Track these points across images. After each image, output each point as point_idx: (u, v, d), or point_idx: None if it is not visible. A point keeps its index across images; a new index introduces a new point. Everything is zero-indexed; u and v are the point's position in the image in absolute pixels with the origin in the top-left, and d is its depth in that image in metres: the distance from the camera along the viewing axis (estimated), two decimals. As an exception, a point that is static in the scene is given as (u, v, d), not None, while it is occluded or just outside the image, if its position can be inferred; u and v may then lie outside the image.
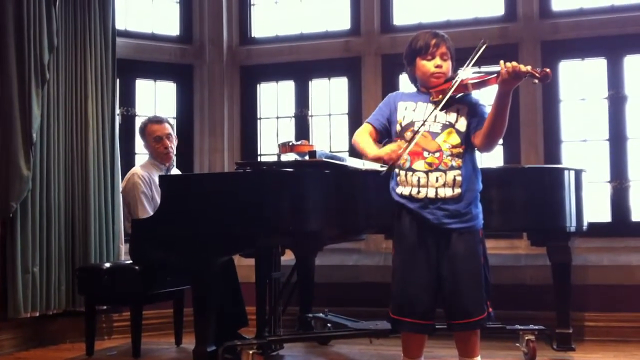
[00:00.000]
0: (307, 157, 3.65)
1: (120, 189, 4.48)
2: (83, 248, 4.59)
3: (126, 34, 5.26)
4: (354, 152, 5.09)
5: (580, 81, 4.99)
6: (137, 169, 4.40)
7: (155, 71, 5.44)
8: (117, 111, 4.96)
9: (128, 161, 5.15)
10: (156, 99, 5.48)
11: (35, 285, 4.32)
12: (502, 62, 2.58)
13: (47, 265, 4.42)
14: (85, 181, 4.62)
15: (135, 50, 5.29)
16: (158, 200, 4.13)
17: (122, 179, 4.76)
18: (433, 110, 2.70)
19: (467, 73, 2.73)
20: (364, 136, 2.84)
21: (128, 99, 5.29)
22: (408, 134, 2.74)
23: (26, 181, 4.22)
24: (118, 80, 4.95)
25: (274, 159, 4.15)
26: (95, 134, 4.69)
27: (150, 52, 5.37)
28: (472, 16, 5.16)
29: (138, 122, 5.30)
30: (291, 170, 3.56)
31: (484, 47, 2.70)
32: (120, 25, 5.11)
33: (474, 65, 2.73)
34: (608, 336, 4.44)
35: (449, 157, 2.71)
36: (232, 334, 3.87)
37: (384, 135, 2.86)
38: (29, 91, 4.24)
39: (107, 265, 4.27)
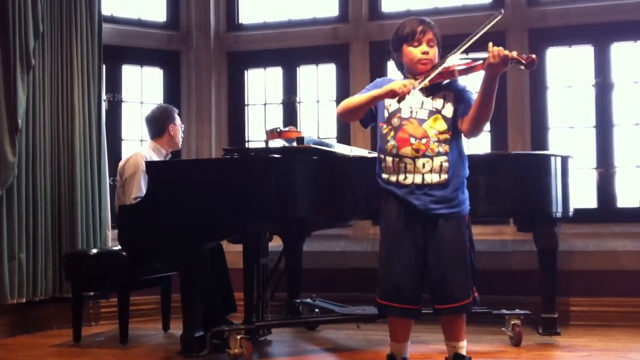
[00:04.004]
0: (294, 144, 3.65)
1: (119, 167, 4.34)
2: (70, 234, 4.57)
3: (112, 20, 5.22)
4: (342, 138, 5.17)
5: (568, 68, 5.01)
6: (141, 150, 4.35)
7: (142, 57, 5.40)
8: (104, 97, 4.93)
9: (114, 147, 5.14)
10: (143, 85, 5.45)
11: (22, 272, 4.30)
12: (490, 44, 2.58)
13: (34, 251, 4.40)
14: (71, 167, 4.60)
15: (122, 36, 5.25)
16: None
17: (108, 165, 4.77)
18: (417, 87, 2.68)
19: (454, 59, 2.73)
20: (353, 96, 2.84)
21: (114, 85, 5.25)
22: (395, 121, 2.75)
23: (12, 167, 4.19)
24: (104, 66, 4.93)
25: (262, 145, 4.14)
26: (81, 120, 4.66)
27: (137, 38, 5.33)
28: (460, 3, 5.16)
29: (124, 108, 5.30)
30: (279, 156, 3.56)
31: (499, 16, 2.67)
32: (106, 11, 5.08)
33: (463, 51, 2.72)
34: (593, 321, 4.49)
35: (436, 143, 2.71)
36: (220, 319, 3.88)
37: (367, 115, 2.84)
38: (14, 77, 4.21)
39: (94, 251, 4.27)
